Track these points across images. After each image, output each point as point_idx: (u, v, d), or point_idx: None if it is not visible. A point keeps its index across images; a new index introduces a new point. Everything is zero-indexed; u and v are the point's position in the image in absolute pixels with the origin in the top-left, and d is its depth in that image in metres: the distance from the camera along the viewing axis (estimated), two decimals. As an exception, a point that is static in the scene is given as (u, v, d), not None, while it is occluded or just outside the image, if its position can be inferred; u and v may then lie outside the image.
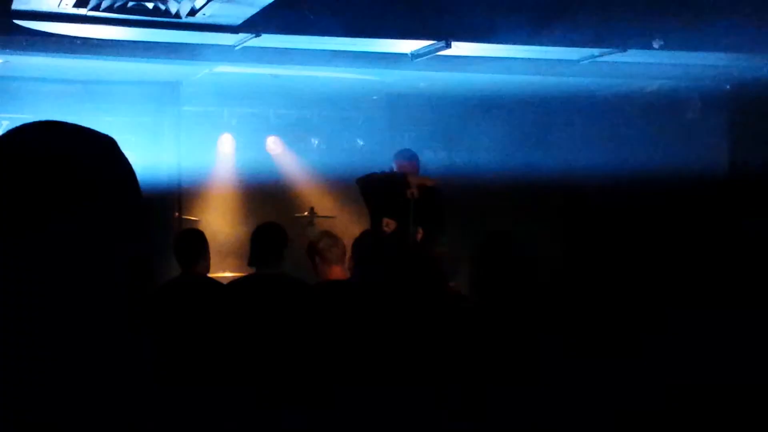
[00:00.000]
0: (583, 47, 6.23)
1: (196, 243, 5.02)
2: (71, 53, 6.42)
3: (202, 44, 6.31)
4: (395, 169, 6.73)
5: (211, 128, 8.78)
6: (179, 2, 5.20)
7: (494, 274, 4.24)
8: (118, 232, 1.18)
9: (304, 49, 6.47)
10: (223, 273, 7.51)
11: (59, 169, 1.13)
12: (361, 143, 8.80)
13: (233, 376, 4.13)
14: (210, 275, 5.48)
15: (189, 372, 4.14)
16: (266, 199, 8.86)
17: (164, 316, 4.42)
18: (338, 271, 5.09)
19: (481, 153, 8.61)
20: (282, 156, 9.15)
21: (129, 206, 1.23)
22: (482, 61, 6.81)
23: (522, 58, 6.64)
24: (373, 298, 4.29)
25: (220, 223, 8.71)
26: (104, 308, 1.20)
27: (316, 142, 8.93)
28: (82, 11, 5.30)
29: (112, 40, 6.13)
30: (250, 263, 4.74)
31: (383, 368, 3.98)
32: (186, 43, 6.25)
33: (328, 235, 5.30)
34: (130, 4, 5.21)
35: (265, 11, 5.40)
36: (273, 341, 4.23)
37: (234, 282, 4.74)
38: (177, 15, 5.34)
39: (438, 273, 4.89)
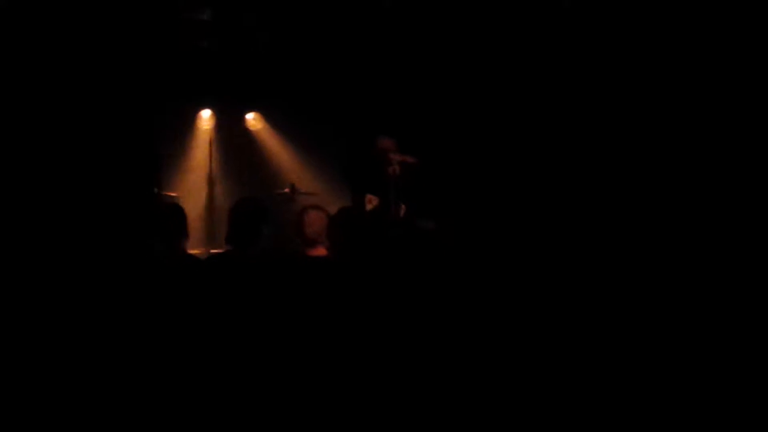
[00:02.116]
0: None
1: (177, 219, 4.92)
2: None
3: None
4: (377, 146, 6.66)
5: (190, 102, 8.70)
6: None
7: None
8: None
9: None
10: (201, 250, 7.44)
11: None
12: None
13: (213, 357, 4.09)
14: (189, 252, 5.41)
15: (172, 353, 4.10)
16: (246, 175, 8.81)
17: (150, 294, 4.35)
18: (320, 248, 5.03)
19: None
20: (262, 131, 9.09)
21: None
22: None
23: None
24: (352, 275, 4.25)
25: (198, 199, 8.65)
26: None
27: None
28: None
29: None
30: (228, 240, 4.66)
31: (363, 345, 3.95)
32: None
33: (313, 208, 5.21)
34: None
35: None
36: (250, 319, 4.18)
37: (211, 258, 4.65)
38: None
39: (420, 249, 4.86)
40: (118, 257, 5.37)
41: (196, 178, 8.81)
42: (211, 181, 8.81)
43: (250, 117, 9.06)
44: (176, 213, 5.02)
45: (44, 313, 4.42)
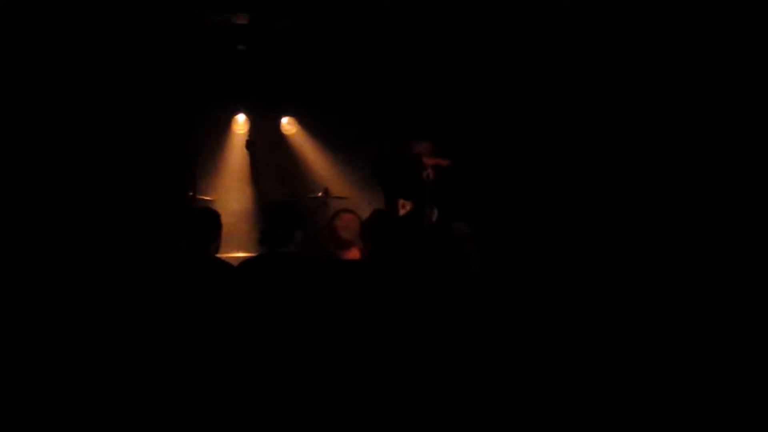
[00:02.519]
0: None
1: (210, 224, 4.95)
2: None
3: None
4: (411, 150, 6.66)
5: (225, 106, 8.77)
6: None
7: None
8: None
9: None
10: (236, 253, 7.48)
11: None
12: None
13: (245, 359, 4.11)
14: (221, 255, 5.43)
15: (202, 355, 4.12)
16: (280, 179, 8.86)
17: (179, 297, 4.39)
18: (355, 251, 5.03)
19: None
20: (296, 136, 9.13)
21: None
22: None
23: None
24: (386, 278, 4.25)
25: (233, 203, 8.70)
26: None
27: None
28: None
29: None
30: (262, 242, 4.68)
31: (395, 348, 3.96)
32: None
33: (346, 211, 5.21)
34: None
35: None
36: (285, 320, 4.20)
37: (246, 261, 4.67)
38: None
39: (454, 254, 4.84)
40: (147, 259, 5.42)
41: (231, 181, 8.88)
42: (245, 185, 8.87)
43: (285, 121, 9.11)
44: (209, 216, 5.05)
45: (63, 311, 4.46)
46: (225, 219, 5.08)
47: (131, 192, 6.41)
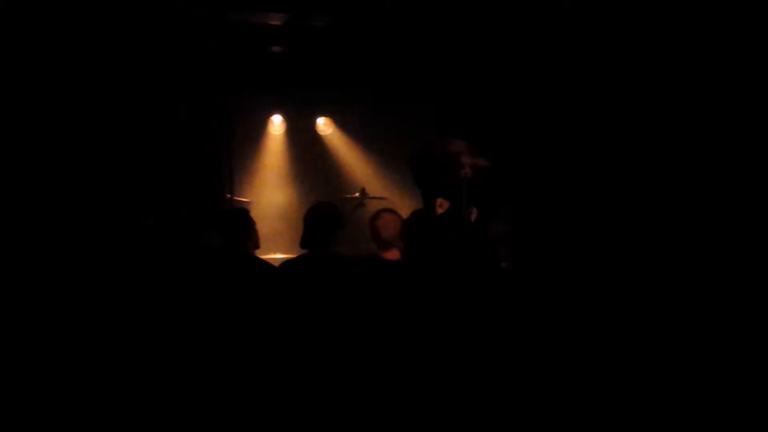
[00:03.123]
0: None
1: (241, 222, 4.97)
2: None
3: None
4: (448, 149, 6.61)
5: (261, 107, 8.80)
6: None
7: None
8: None
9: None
10: (274, 254, 7.49)
11: None
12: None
13: (282, 358, 4.11)
14: (262, 257, 5.44)
15: (238, 352, 4.12)
16: (317, 180, 8.86)
17: (211, 294, 4.40)
18: (395, 252, 5.02)
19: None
20: (333, 136, 9.12)
21: None
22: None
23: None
24: (425, 279, 4.23)
25: (271, 204, 8.72)
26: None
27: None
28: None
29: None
30: (303, 244, 4.68)
31: (435, 348, 3.94)
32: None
33: (386, 213, 5.19)
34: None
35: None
36: (326, 320, 4.19)
37: (287, 262, 4.67)
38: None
39: (491, 254, 4.83)
40: (183, 258, 5.44)
41: (268, 182, 8.89)
42: (283, 186, 8.88)
43: (321, 122, 9.10)
44: (239, 214, 5.07)
45: (98, 304, 4.48)
46: (263, 220, 5.10)
47: (171, 191, 6.43)
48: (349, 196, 8.16)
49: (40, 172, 5.69)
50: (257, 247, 5.11)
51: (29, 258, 5.19)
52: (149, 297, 4.42)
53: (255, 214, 5.27)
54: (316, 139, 9.12)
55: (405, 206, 6.43)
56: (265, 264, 4.87)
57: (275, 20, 7.52)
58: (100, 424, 3.95)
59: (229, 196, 7.63)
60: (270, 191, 8.85)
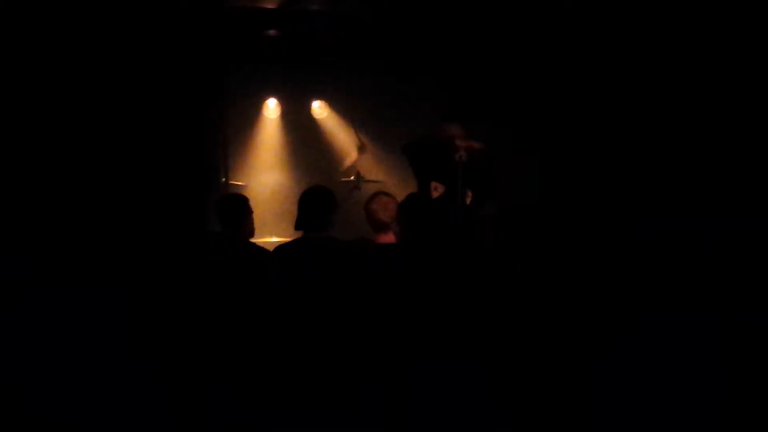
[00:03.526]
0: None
1: (238, 207, 5.01)
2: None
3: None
4: (442, 133, 6.62)
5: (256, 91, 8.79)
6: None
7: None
8: None
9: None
10: (269, 238, 7.50)
11: None
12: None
13: (279, 342, 4.12)
14: (257, 240, 5.46)
15: (234, 336, 4.14)
16: (312, 164, 8.86)
17: (209, 279, 4.41)
18: (391, 235, 5.03)
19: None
20: (328, 119, 9.11)
21: None
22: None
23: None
24: (421, 261, 4.25)
25: (266, 188, 8.72)
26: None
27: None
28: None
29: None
30: (298, 227, 4.69)
31: (431, 331, 3.95)
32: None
33: (381, 196, 5.21)
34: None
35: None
36: (320, 304, 4.20)
37: (281, 246, 4.68)
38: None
39: (480, 236, 4.85)
40: (180, 243, 5.45)
41: (263, 166, 8.89)
42: (277, 170, 8.89)
43: (316, 105, 9.09)
44: (237, 201, 5.09)
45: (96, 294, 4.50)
46: (258, 204, 5.11)
47: (166, 177, 6.44)
48: (344, 179, 8.18)
49: (41, 158, 5.71)
50: (251, 234, 5.13)
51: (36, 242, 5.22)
52: (146, 284, 4.43)
53: (250, 197, 5.28)
54: (311, 123, 9.10)
55: (400, 190, 6.47)
56: (259, 249, 4.89)
57: (270, 4, 7.50)
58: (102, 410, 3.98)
59: (224, 180, 7.64)
60: (265, 175, 8.85)
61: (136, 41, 6.54)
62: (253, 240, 5.16)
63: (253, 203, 5.21)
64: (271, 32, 8.01)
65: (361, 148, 8.22)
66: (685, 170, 5.85)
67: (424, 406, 3.84)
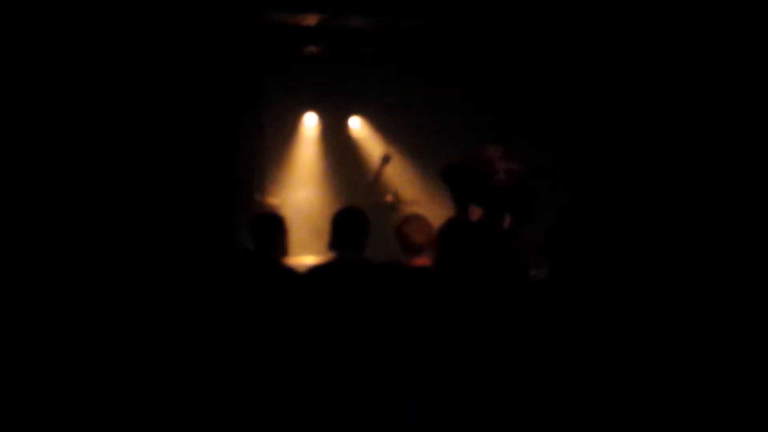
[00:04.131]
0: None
1: (273, 227, 4.92)
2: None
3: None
4: (481, 154, 6.52)
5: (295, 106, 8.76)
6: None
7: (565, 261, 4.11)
8: None
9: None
10: (304, 257, 7.43)
11: None
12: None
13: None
14: (293, 259, 5.39)
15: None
16: (350, 183, 8.80)
17: (234, 301, 4.34)
18: (425, 258, 4.93)
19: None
20: (367, 138, 9.06)
21: None
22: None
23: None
24: (458, 286, 4.16)
25: (303, 205, 8.67)
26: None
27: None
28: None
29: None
30: (331, 248, 4.61)
31: (464, 355, 3.87)
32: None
33: (415, 218, 5.11)
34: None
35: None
36: (354, 327, 4.13)
37: (313, 268, 4.60)
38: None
39: (522, 261, 4.75)
40: (210, 263, 5.41)
41: (300, 183, 8.85)
42: (314, 187, 8.84)
43: (355, 123, 9.03)
44: (272, 221, 5.01)
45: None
46: (293, 222, 5.04)
47: (200, 194, 6.41)
48: (382, 199, 8.10)
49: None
50: (285, 254, 5.05)
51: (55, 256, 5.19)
52: (169, 298, 4.39)
53: (285, 214, 5.22)
54: (350, 140, 9.05)
55: (438, 210, 6.38)
56: (290, 271, 4.81)
57: (311, 20, 7.48)
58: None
59: (258, 197, 7.59)
60: (301, 192, 8.80)
61: (175, 48, 6.53)
62: (286, 260, 5.08)
63: (287, 221, 5.14)
64: (312, 48, 7.98)
65: (385, 159, 8.10)
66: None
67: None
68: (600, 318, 3.99)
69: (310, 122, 8.89)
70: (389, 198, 8.02)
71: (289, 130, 8.87)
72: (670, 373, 3.81)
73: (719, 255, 5.05)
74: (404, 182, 8.68)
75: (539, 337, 3.89)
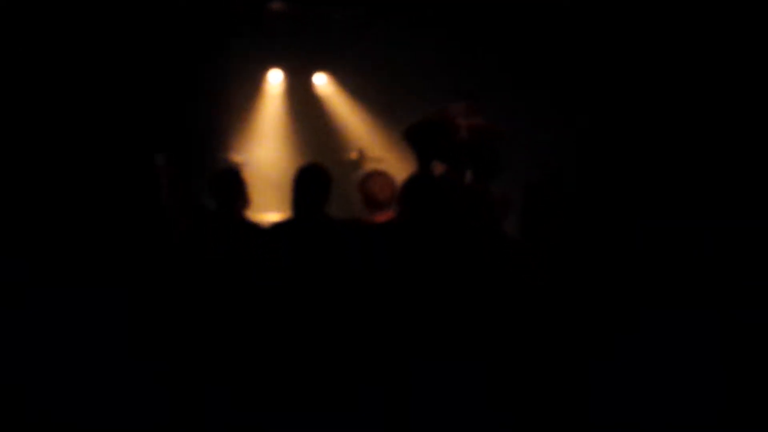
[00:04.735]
0: None
1: (232, 182, 4.92)
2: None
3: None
4: (445, 111, 6.54)
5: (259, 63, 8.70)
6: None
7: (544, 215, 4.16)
8: None
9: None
10: (269, 214, 7.44)
11: None
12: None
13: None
14: (256, 215, 5.40)
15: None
16: (314, 140, 8.79)
17: (200, 254, 4.37)
18: (388, 214, 4.96)
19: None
20: (332, 95, 9.03)
21: None
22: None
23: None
24: (423, 240, 4.20)
25: (267, 162, 8.65)
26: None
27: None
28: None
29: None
30: (293, 205, 4.63)
31: (434, 309, 3.92)
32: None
33: (378, 174, 5.14)
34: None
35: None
36: (314, 285, 4.16)
37: (276, 224, 4.63)
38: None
39: (489, 214, 4.79)
40: (171, 218, 5.42)
41: (265, 140, 8.83)
42: (279, 144, 8.82)
43: (320, 79, 9.00)
44: (231, 175, 5.02)
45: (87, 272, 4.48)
46: (259, 179, 5.05)
47: (162, 150, 6.40)
48: (347, 156, 8.11)
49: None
50: (247, 205, 5.05)
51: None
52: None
53: (250, 172, 5.22)
54: (315, 97, 9.02)
55: (403, 168, 6.40)
56: (255, 226, 4.83)
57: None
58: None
59: (222, 155, 7.59)
60: (266, 149, 8.78)
61: (140, 5, 6.48)
62: (252, 215, 5.09)
63: (253, 178, 5.14)
64: (277, 5, 7.94)
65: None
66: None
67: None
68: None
69: (275, 79, 8.84)
70: (354, 155, 8.03)
71: (253, 87, 8.82)
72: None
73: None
74: (369, 140, 8.69)
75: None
